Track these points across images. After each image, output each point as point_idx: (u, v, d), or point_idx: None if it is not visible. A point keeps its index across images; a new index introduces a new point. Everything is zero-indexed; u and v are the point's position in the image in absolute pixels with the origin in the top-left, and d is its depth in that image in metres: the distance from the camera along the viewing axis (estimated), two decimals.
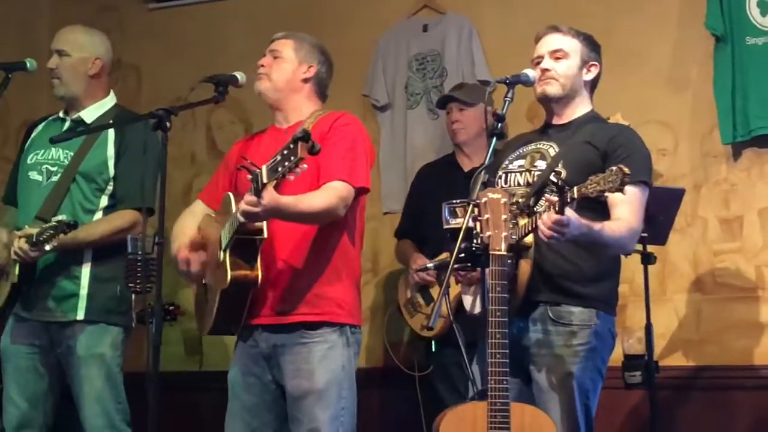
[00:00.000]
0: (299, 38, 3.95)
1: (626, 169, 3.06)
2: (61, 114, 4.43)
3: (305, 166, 3.21)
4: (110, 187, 4.27)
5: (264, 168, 3.30)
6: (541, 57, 3.70)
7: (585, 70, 3.71)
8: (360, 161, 3.75)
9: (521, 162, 3.68)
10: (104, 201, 4.27)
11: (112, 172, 4.27)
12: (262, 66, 3.89)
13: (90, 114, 4.36)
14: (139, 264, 3.78)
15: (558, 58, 3.67)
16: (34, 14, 6.43)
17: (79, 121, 4.35)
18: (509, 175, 3.68)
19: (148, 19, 6.32)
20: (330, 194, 3.64)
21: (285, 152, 3.20)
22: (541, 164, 3.61)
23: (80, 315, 4.17)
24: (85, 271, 4.20)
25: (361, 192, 3.76)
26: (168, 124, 3.53)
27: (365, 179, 3.76)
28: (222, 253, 3.64)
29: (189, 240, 3.81)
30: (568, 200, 3.13)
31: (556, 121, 3.74)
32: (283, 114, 3.89)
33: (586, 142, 3.59)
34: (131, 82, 6.30)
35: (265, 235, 3.59)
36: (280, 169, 3.21)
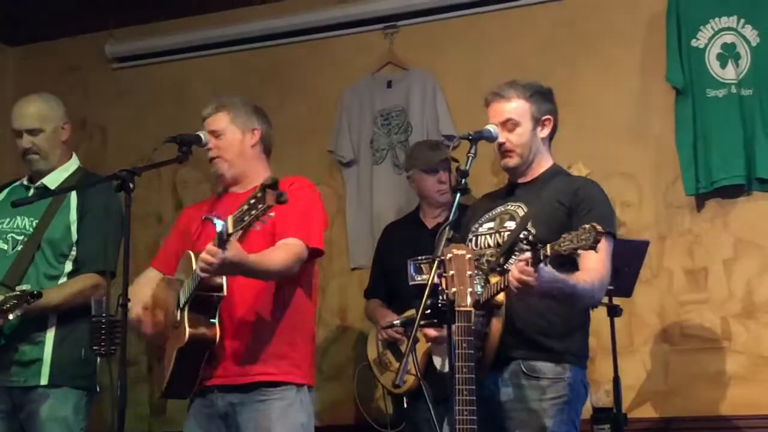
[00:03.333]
0: (231, 105, 3.92)
1: (599, 227, 3.07)
2: (25, 181, 4.41)
3: (272, 213, 3.21)
4: (74, 252, 4.24)
5: (230, 218, 3.28)
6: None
7: (539, 128, 3.71)
8: (315, 223, 3.77)
9: (491, 224, 3.69)
10: (68, 266, 4.23)
11: (75, 236, 4.24)
12: (210, 150, 3.86)
13: (54, 179, 4.34)
14: (103, 326, 3.74)
15: (510, 130, 3.67)
16: (0, 74, 6.43)
17: (43, 188, 4.33)
18: (479, 237, 3.69)
19: (112, 78, 6.32)
20: (287, 251, 3.64)
21: (252, 201, 3.19)
22: (511, 225, 3.61)
23: (44, 380, 4.12)
24: (50, 335, 4.16)
25: (315, 253, 3.77)
26: (131, 185, 3.53)
27: (320, 241, 3.77)
28: (179, 312, 3.63)
29: (142, 302, 3.79)
30: (541, 257, 3.15)
31: (521, 180, 3.75)
32: (242, 185, 3.90)
33: (552, 200, 3.61)
34: (96, 141, 6.30)
35: (224, 292, 3.58)
36: (246, 218, 3.20)
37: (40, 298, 3.94)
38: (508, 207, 3.68)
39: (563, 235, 3.14)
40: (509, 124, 3.66)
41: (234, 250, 3.37)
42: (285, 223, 3.66)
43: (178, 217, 4.16)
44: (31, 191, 4.35)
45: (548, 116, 3.72)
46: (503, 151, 3.68)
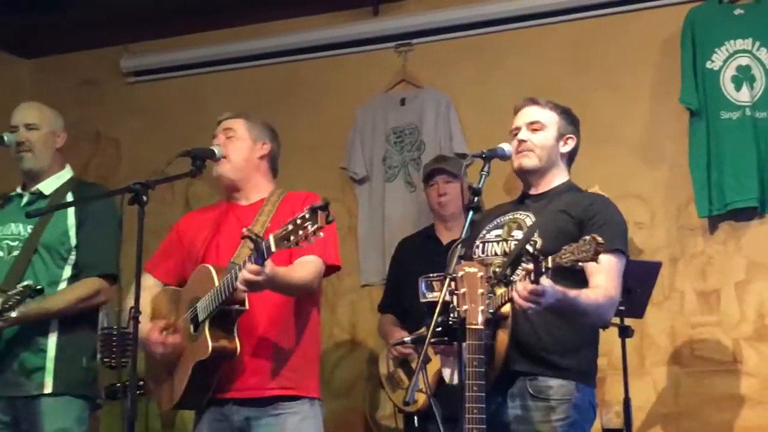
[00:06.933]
0: (250, 117, 4.00)
1: (599, 239, 3.07)
2: (18, 189, 4.43)
3: (322, 234, 3.23)
4: (73, 257, 4.24)
5: (272, 237, 3.30)
6: (519, 128, 3.72)
7: (562, 142, 3.73)
8: (331, 240, 3.80)
9: (498, 232, 3.69)
10: (68, 271, 4.24)
11: (74, 241, 4.25)
12: (218, 146, 3.89)
13: (48, 186, 4.37)
14: (114, 338, 3.75)
15: (535, 130, 3.69)
16: (15, 87, 6.45)
17: (38, 194, 4.35)
18: (486, 244, 3.68)
19: (128, 92, 6.35)
20: (310, 268, 3.70)
21: (298, 221, 3.22)
22: (518, 234, 3.61)
23: (47, 389, 4.11)
24: (51, 342, 4.15)
25: (331, 269, 3.82)
26: (145, 198, 3.54)
27: (336, 257, 3.83)
28: (193, 325, 3.64)
29: (153, 322, 3.78)
30: (543, 269, 3.14)
31: (533, 191, 3.75)
32: (243, 193, 3.92)
33: (561, 211, 3.60)
34: (110, 154, 6.32)
35: (247, 306, 3.60)
36: (292, 238, 3.23)
37: (42, 293, 3.96)
38: (517, 216, 3.68)
39: (564, 247, 3.13)
40: (536, 125, 3.69)
41: (269, 267, 3.40)
42: None
43: (175, 225, 4.13)
44: (26, 197, 4.37)
45: (571, 135, 3.75)
46: (521, 150, 3.68)
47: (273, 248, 3.30)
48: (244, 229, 3.40)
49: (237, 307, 3.60)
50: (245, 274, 3.40)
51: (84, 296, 4.15)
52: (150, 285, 3.93)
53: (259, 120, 4.01)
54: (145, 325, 3.75)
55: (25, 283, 3.97)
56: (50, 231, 4.24)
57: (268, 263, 3.38)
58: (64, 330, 4.17)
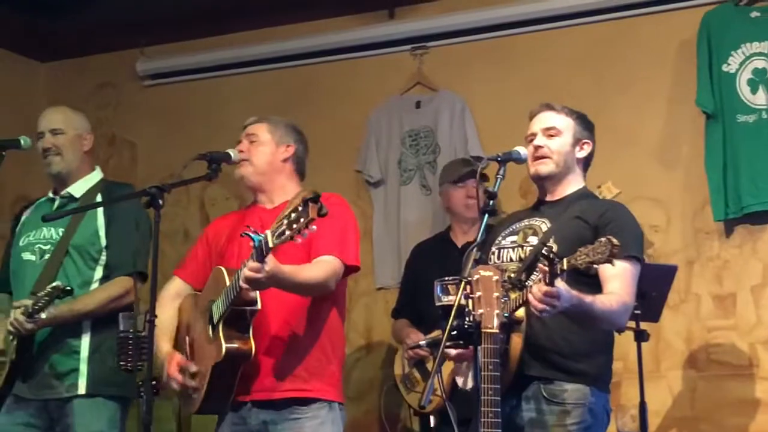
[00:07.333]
0: (273, 121, 3.99)
1: (615, 240, 3.06)
2: (50, 194, 4.44)
3: (314, 227, 3.22)
4: (104, 257, 4.25)
5: (268, 233, 3.29)
6: (534, 134, 3.72)
7: (578, 148, 3.73)
8: (351, 240, 3.78)
9: (514, 238, 3.69)
10: (99, 272, 4.24)
11: (104, 241, 4.25)
12: (241, 152, 3.90)
13: (78, 188, 4.37)
14: (130, 342, 3.76)
15: (551, 136, 3.69)
16: (32, 90, 6.49)
17: (69, 197, 4.36)
18: (502, 251, 3.69)
19: (144, 95, 6.37)
20: (324, 267, 3.66)
21: (292, 215, 3.21)
22: (534, 240, 3.61)
23: (81, 390, 4.12)
24: (84, 343, 4.16)
25: (351, 270, 3.79)
26: (160, 201, 3.54)
27: (356, 258, 3.79)
28: (210, 327, 3.64)
29: (176, 360, 3.75)
30: (558, 272, 3.14)
31: (548, 198, 3.75)
32: (266, 195, 3.91)
33: (576, 218, 3.60)
34: (126, 157, 6.34)
35: (259, 306, 3.59)
36: (287, 232, 3.22)
37: (71, 293, 3.98)
38: (533, 222, 3.69)
39: (579, 249, 3.13)
40: (552, 131, 3.69)
41: (270, 263, 3.38)
42: (321, 239, 3.66)
43: (205, 229, 4.16)
44: (57, 201, 4.38)
45: (587, 140, 3.75)
46: (538, 157, 3.68)
47: (270, 244, 3.28)
48: (243, 232, 3.42)
49: (249, 307, 3.58)
50: (246, 271, 3.40)
51: (115, 296, 4.15)
52: (174, 290, 3.95)
53: (283, 122, 4.00)
54: (162, 343, 3.76)
55: (54, 284, 3.98)
56: (81, 232, 4.24)
57: (270, 260, 3.36)
58: (97, 331, 4.17)
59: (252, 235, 3.33)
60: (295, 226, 3.20)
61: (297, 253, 3.64)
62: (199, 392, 3.67)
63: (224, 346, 3.56)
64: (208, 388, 3.64)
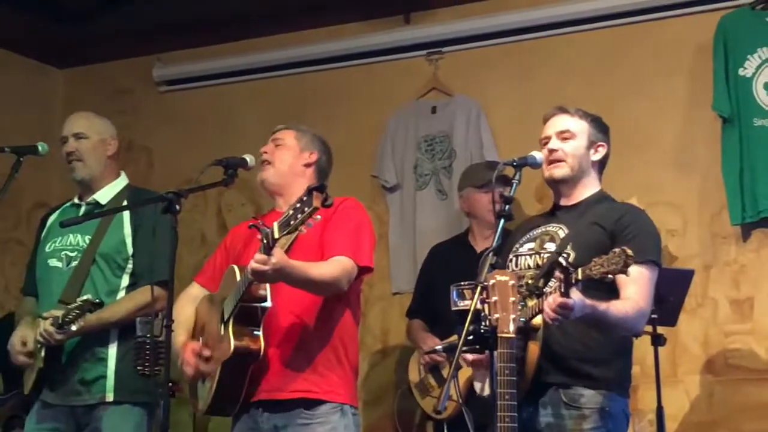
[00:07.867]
0: (300, 129, 4.01)
1: (629, 251, 3.06)
2: (75, 200, 4.44)
3: (319, 217, 3.22)
4: (130, 266, 4.25)
5: (275, 224, 3.29)
6: (549, 138, 3.71)
7: (593, 151, 3.72)
8: (365, 242, 3.77)
9: (531, 245, 3.68)
10: (125, 280, 4.24)
11: (130, 250, 4.24)
12: (265, 153, 3.93)
13: (104, 195, 4.37)
14: (148, 347, 3.76)
15: (565, 139, 3.68)
16: (50, 97, 6.52)
17: (95, 204, 4.36)
18: (519, 258, 3.68)
19: (160, 101, 6.40)
20: (336, 266, 3.64)
21: (297, 205, 3.21)
22: (551, 246, 3.60)
23: (109, 396, 4.12)
24: (112, 351, 4.16)
25: (364, 271, 3.77)
26: (177, 206, 3.55)
27: (369, 259, 3.78)
28: (223, 325, 3.63)
29: (188, 342, 3.78)
30: (573, 281, 3.13)
31: (564, 202, 3.74)
32: (284, 199, 3.89)
33: (594, 224, 3.59)
34: (143, 163, 6.37)
35: (269, 303, 3.58)
36: (292, 222, 3.21)
37: (101, 306, 3.98)
38: (549, 228, 3.67)
39: (594, 259, 3.12)
40: (566, 134, 3.68)
41: (278, 256, 3.38)
42: (334, 240, 3.67)
43: (225, 236, 4.17)
44: (83, 208, 4.38)
45: (602, 143, 3.74)
46: (552, 160, 3.67)
47: (276, 234, 3.28)
48: (251, 225, 3.41)
49: (259, 304, 3.57)
50: (252, 264, 3.40)
51: (142, 304, 4.14)
52: (195, 294, 3.96)
53: (311, 132, 4.02)
54: (179, 336, 3.77)
55: (85, 297, 3.98)
56: (107, 240, 4.24)
57: (276, 252, 3.36)
58: (124, 339, 4.16)
59: (259, 227, 3.35)
60: (299, 216, 3.19)
61: (311, 254, 3.64)
62: (211, 385, 3.65)
63: (233, 343, 3.54)
64: (217, 387, 3.63)
